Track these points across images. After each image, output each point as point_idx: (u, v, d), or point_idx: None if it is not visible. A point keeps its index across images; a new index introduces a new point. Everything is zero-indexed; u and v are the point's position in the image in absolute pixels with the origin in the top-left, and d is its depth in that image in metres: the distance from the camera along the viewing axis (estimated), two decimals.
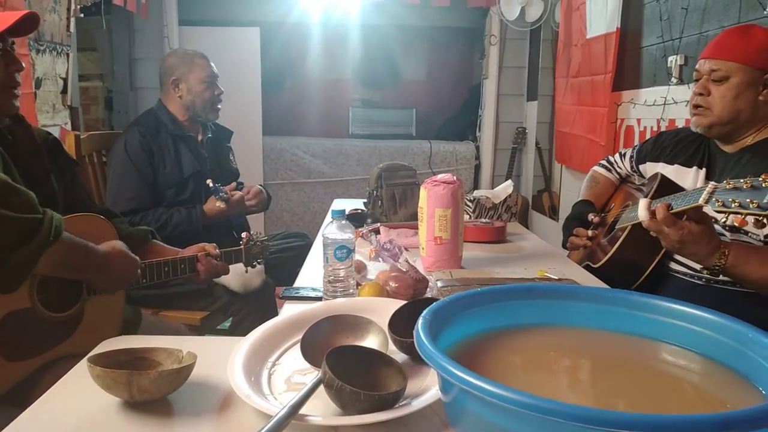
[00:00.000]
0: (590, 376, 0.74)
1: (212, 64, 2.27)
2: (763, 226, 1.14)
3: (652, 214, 1.29)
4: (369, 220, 2.15)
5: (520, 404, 0.53)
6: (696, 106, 1.47)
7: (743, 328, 0.70)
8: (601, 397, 0.70)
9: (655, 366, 0.76)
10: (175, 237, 1.95)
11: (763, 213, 1.07)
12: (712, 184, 1.19)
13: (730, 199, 1.12)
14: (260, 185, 2.43)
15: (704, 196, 1.18)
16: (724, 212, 1.13)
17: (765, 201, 1.07)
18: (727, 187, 1.14)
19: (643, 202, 1.32)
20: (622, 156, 1.86)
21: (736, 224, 1.15)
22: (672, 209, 1.27)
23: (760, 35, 1.39)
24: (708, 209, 1.19)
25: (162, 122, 2.19)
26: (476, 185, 4.64)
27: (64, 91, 2.77)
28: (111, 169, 2.13)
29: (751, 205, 1.08)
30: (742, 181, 1.13)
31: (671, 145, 1.65)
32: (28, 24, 1.26)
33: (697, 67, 1.48)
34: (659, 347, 0.77)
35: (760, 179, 1.10)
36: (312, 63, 5.08)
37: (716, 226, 1.32)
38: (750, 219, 1.10)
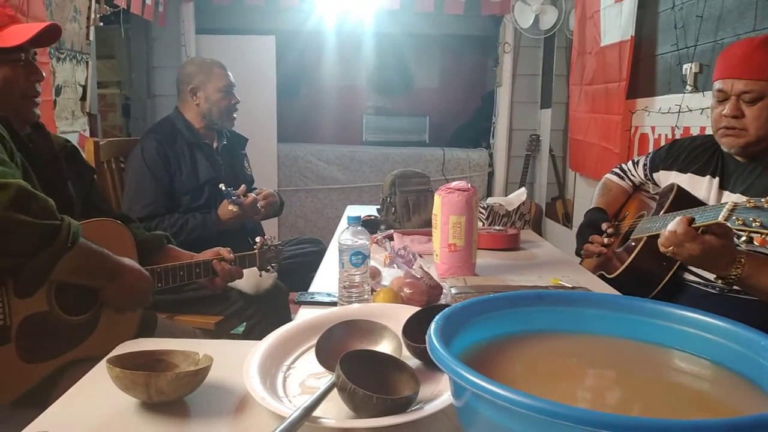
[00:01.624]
0: (602, 381, 0.74)
1: (229, 74, 2.30)
2: None
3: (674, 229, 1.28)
4: (382, 227, 2.17)
5: (531, 408, 0.53)
6: (728, 128, 1.42)
7: (755, 336, 0.70)
8: (612, 402, 0.70)
9: (667, 373, 0.76)
10: (190, 242, 1.97)
11: None
12: (732, 201, 1.19)
13: (751, 218, 1.12)
14: (274, 191, 2.45)
15: (724, 213, 1.17)
16: (745, 231, 1.13)
17: None
18: (748, 205, 1.14)
19: (682, 222, 1.29)
20: (636, 164, 1.85)
21: (757, 243, 1.14)
22: (695, 223, 1.26)
23: None
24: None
25: (178, 130, 2.23)
26: (489, 192, 4.64)
27: (83, 98, 2.83)
28: (128, 176, 2.16)
29: None
30: (763, 200, 1.12)
31: (685, 153, 1.64)
32: (50, 35, 1.29)
33: (720, 86, 1.43)
34: (671, 354, 0.77)
35: None
36: (326, 70, 5.12)
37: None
38: None
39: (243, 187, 2.21)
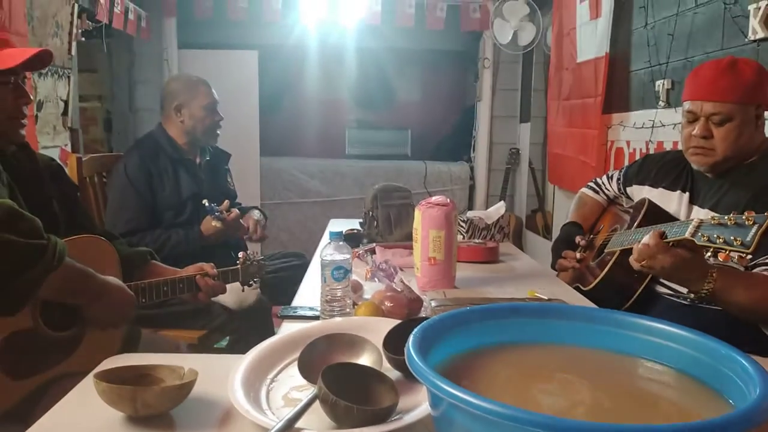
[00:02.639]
0: (573, 390, 0.77)
1: (214, 91, 2.33)
2: (747, 262, 1.19)
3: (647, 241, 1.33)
4: (365, 240, 2.19)
5: (504, 417, 0.56)
6: (697, 147, 1.47)
7: (717, 346, 0.74)
8: (582, 409, 0.74)
9: (635, 381, 0.80)
10: (173, 257, 1.98)
11: (746, 251, 1.12)
12: (698, 218, 1.24)
13: (715, 235, 1.17)
14: (258, 208, 2.48)
15: (690, 229, 1.22)
16: (709, 247, 1.18)
17: (748, 239, 1.12)
18: (713, 222, 1.19)
19: (654, 235, 1.33)
20: (610, 178, 1.91)
21: (720, 259, 1.19)
22: (666, 237, 1.31)
23: (747, 71, 1.42)
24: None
25: (161, 146, 2.24)
26: (471, 205, 4.69)
27: (65, 113, 2.83)
28: (110, 191, 2.17)
29: (735, 242, 1.13)
30: (726, 218, 1.17)
31: (656, 168, 1.70)
32: (41, 60, 1.30)
33: (690, 108, 1.47)
34: (639, 363, 0.81)
35: (744, 217, 1.14)
36: (309, 84, 5.16)
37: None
38: (734, 255, 1.14)
39: (226, 202, 2.22)
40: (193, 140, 2.30)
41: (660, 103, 2.47)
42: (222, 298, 1.99)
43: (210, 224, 2.15)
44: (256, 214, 2.45)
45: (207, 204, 2.14)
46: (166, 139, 2.26)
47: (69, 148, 2.86)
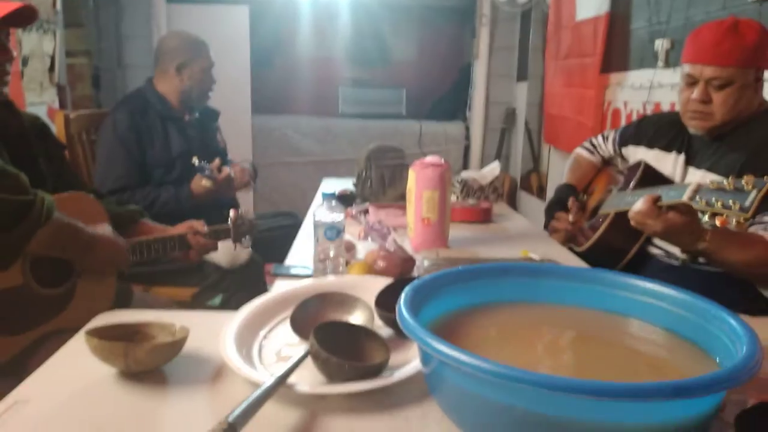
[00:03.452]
0: (563, 348, 0.78)
1: (211, 53, 2.29)
2: (745, 227, 1.18)
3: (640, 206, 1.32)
4: (358, 200, 2.18)
5: (493, 373, 0.57)
6: (696, 111, 1.45)
7: (707, 306, 0.75)
8: (573, 367, 0.75)
9: (624, 339, 0.80)
10: (163, 215, 1.97)
11: (745, 215, 1.11)
12: (696, 182, 1.23)
13: (714, 199, 1.16)
14: (248, 161, 2.45)
15: (688, 193, 1.21)
16: (707, 210, 1.17)
17: (746, 204, 1.11)
18: (711, 187, 1.18)
19: (648, 200, 1.32)
20: (605, 138, 1.90)
21: (718, 224, 1.18)
22: (660, 202, 1.30)
23: (749, 33, 1.38)
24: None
25: (150, 102, 2.20)
26: (466, 165, 4.67)
27: (51, 69, 2.77)
28: (99, 149, 2.14)
29: (733, 207, 1.12)
30: (725, 182, 1.16)
31: (653, 129, 1.69)
32: (24, 16, 1.26)
33: (689, 71, 1.45)
34: (629, 322, 0.82)
35: (743, 182, 1.13)
36: (302, 41, 5.06)
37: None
38: (732, 219, 1.14)
39: (217, 161, 2.20)
40: (187, 100, 2.27)
41: (659, 63, 2.43)
42: (214, 257, 1.99)
43: (200, 183, 2.13)
44: (245, 164, 2.42)
45: (197, 162, 2.12)
46: (156, 95, 2.22)
47: (56, 105, 2.81)
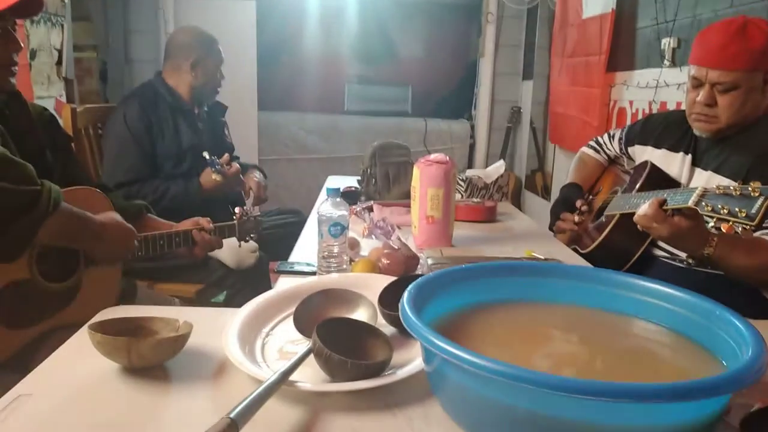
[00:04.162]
0: (567, 348, 0.78)
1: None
2: (751, 235, 1.17)
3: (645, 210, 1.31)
4: (363, 198, 2.18)
5: (495, 372, 0.57)
6: (701, 114, 1.44)
7: (712, 307, 0.74)
8: (576, 368, 0.74)
9: (630, 340, 0.80)
10: (172, 209, 1.97)
11: (751, 223, 1.10)
12: (702, 187, 1.22)
13: (720, 205, 1.15)
14: (258, 168, 2.47)
15: (694, 198, 1.20)
16: (713, 216, 1.16)
17: (753, 211, 1.10)
18: (717, 192, 1.17)
19: (653, 204, 1.31)
20: (611, 137, 1.89)
21: (723, 230, 1.17)
22: (666, 205, 1.29)
23: (757, 36, 1.36)
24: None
25: (161, 95, 2.21)
26: (471, 164, 4.66)
27: (59, 63, 2.77)
28: (109, 141, 2.14)
29: (740, 214, 1.11)
30: (732, 187, 1.15)
31: (659, 128, 1.67)
32: (31, 6, 1.26)
33: (695, 73, 1.44)
34: (634, 323, 0.81)
35: (750, 188, 1.12)
36: (308, 37, 5.05)
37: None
38: (738, 227, 1.13)
39: (227, 156, 2.21)
40: (197, 95, 2.28)
41: (665, 62, 2.42)
42: (221, 256, 2.00)
43: (210, 177, 2.14)
44: (257, 174, 2.44)
45: (207, 156, 2.12)
46: (167, 88, 2.23)
47: (64, 99, 2.81)
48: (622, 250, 1.58)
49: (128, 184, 2.03)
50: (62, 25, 2.79)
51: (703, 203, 1.18)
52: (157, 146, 2.15)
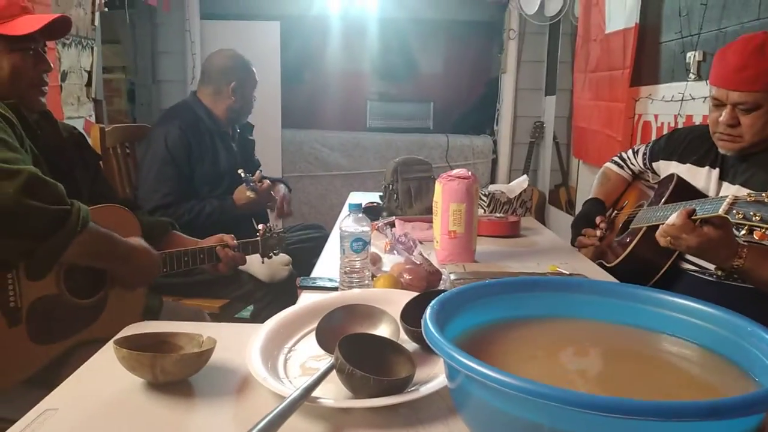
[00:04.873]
0: (594, 365, 0.76)
1: None
2: None
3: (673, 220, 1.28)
4: (384, 213, 2.18)
5: (521, 390, 0.56)
6: (724, 133, 1.42)
7: (742, 322, 0.72)
8: (603, 384, 0.73)
9: (658, 356, 0.78)
10: (204, 227, 1.99)
11: None
12: (732, 195, 1.19)
13: (751, 212, 1.12)
14: (283, 182, 2.49)
15: (724, 206, 1.18)
16: (745, 224, 1.14)
17: None
18: (749, 199, 1.15)
19: (682, 214, 1.29)
20: (635, 152, 1.86)
21: (756, 237, 1.14)
22: (695, 215, 1.27)
23: None
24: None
25: (200, 117, 2.23)
26: (493, 179, 4.64)
27: (89, 84, 2.84)
28: (147, 162, 2.13)
29: None
30: (763, 194, 1.13)
31: (684, 143, 1.65)
32: (60, 27, 1.30)
33: (714, 94, 1.42)
34: (662, 339, 0.80)
35: None
36: (331, 56, 5.11)
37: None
38: None
39: (259, 172, 2.23)
40: (234, 117, 2.32)
41: (690, 75, 2.39)
42: (253, 270, 2.02)
43: (244, 194, 2.16)
44: (282, 188, 2.46)
45: (243, 174, 2.14)
46: (204, 110, 2.25)
47: (93, 119, 2.88)
48: (650, 263, 1.55)
49: (164, 207, 2.05)
50: (92, 48, 2.87)
51: (734, 211, 1.15)
52: (196, 170, 2.17)
